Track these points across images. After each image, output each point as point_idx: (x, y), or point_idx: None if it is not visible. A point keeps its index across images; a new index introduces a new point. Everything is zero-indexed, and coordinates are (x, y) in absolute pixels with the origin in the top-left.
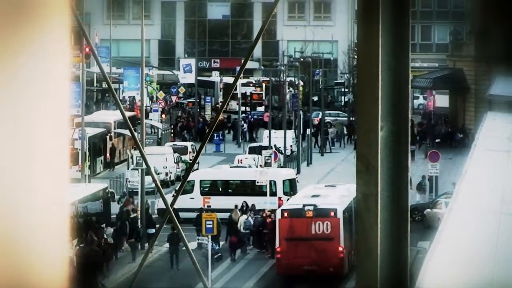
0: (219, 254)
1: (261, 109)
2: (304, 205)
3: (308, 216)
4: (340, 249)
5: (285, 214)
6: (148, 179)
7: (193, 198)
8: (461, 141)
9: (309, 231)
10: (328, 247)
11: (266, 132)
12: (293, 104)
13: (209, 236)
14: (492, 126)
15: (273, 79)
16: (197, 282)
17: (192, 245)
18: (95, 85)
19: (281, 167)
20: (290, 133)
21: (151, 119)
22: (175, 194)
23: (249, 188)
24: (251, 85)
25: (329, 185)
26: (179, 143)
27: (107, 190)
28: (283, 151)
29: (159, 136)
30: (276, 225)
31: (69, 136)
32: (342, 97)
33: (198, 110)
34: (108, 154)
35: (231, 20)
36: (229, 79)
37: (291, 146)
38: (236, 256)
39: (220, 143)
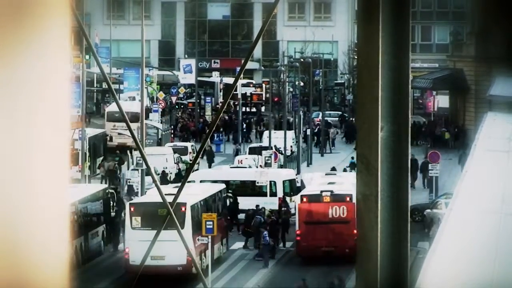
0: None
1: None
2: (321, 191)
3: (325, 201)
4: (355, 231)
5: (304, 199)
6: (148, 179)
7: None
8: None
9: (327, 215)
10: (344, 230)
11: (266, 132)
12: (293, 104)
13: (209, 237)
14: (492, 127)
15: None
16: (198, 282)
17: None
18: (95, 85)
19: (281, 167)
20: (290, 134)
21: (151, 120)
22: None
23: (249, 188)
24: (251, 85)
25: (330, 173)
26: (179, 144)
27: (107, 191)
28: (283, 152)
29: (159, 137)
30: (296, 210)
31: (69, 136)
32: (341, 98)
33: (199, 110)
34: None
35: (231, 21)
36: (229, 80)
37: (291, 146)
38: (248, 243)
39: (220, 143)
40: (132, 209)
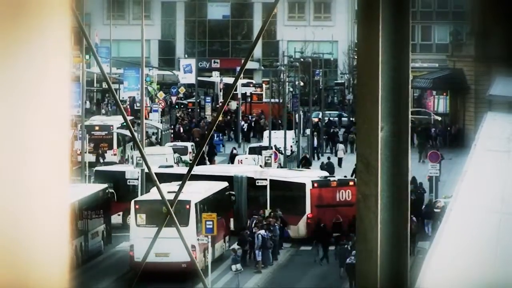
0: None
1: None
2: (326, 177)
3: (333, 185)
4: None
5: (315, 185)
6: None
7: None
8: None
9: (335, 198)
10: (350, 212)
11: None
12: (293, 104)
13: (209, 237)
14: (492, 126)
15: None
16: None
17: None
18: (95, 85)
19: (281, 167)
20: (290, 133)
21: (151, 120)
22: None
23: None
24: (251, 85)
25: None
26: (179, 144)
27: (107, 190)
28: (283, 151)
29: (159, 137)
30: (307, 194)
31: (69, 135)
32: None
33: (198, 110)
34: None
35: (231, 20)
36: (229, 80)
37: (291, 146)
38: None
39: (220, 143)
40: (136, 206)
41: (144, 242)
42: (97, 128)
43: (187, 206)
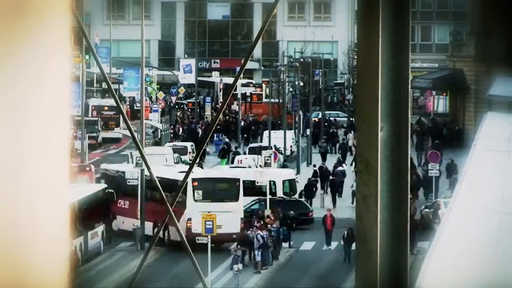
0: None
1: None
2: None
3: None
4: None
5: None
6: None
7: None
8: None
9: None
10: None
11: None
12: (293, 104)
13: (209, 237)
14: (492, 126)
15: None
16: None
17: None
18: (95, 85)
19: (285, 167)
20: (290, 134)
21: (150, 119)
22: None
23: (249, 188)
24: (251, 85)
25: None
26: (179, 144)
27: (107, 190)
28: (283, 151)
29: (159, 137)
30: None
31: (69, 135)
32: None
33: (198, 110)
34: None
35: (231, 21)
36: (229, 80)
37: (291, 146)
38: None
39: (220, 143)
40: (194, 183)
41: (201, 215)
42: (106, 108)
43: (237, 183)
